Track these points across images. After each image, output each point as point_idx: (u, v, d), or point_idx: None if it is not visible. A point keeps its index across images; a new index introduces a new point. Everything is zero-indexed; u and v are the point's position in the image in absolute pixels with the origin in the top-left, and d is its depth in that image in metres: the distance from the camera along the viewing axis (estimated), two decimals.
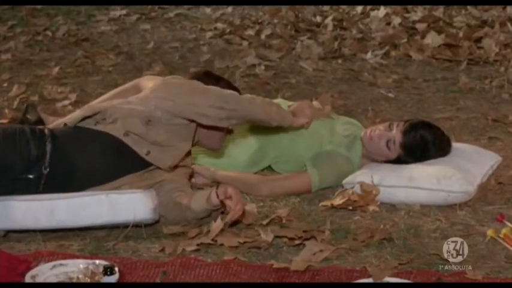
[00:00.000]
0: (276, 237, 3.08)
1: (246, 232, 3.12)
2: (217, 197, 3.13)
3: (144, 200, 3.13)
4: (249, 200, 3.46)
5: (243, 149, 3.72)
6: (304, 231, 3.07)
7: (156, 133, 3.21)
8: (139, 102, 3.27)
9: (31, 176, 3.13)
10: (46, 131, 3.22)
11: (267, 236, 3.04)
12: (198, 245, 3.02)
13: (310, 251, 2.94)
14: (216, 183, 3.59)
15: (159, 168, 3.26)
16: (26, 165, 3.12)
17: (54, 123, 3.42)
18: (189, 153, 3.37)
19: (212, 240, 3.04)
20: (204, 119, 3.23)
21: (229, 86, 3.54)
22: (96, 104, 3.42)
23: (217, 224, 3.07)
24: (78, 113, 3.31)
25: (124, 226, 3.11)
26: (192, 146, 3.35)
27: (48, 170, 3.14)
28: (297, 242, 3.03)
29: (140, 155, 3.21)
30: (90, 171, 3.19)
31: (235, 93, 3.34)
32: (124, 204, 3.11)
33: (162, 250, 2.99)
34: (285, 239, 3.06)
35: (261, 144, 3.72)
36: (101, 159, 3.20)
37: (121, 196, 3.13)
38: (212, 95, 3.25)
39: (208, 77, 3.54)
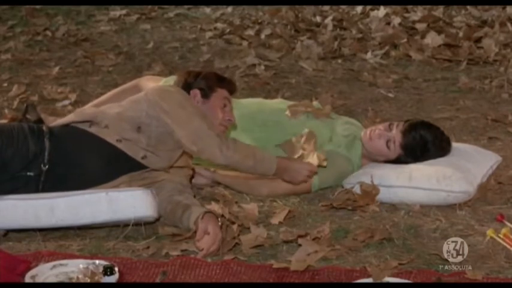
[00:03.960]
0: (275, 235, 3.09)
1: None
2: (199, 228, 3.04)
3: (143, 198, 3.14)
4: (249, 200, 3.46)
5: None
6: (305, 232, 3.07)
7: (148, 138, 3.23)
8: (131, 106, 3.29)
9: (30, 174, 3.13)
10: (44, 128, 3.24)
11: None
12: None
13: (304, 252, 2.94)
14: (216, 183, 3.60)
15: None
16: (25, 161, 3.13)
17: (51, 124, 3.42)
18: (189, 154, 3.38)
19: None
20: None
21: (231, 85, 3.52)
22: (87, 109, 3.44)
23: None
24: (68, 118, 3.33)
25: (124, 225, 3.12)
26: None
27: (47, 167, 3.15)
28: (297, 242, 3.03)
29: (136, 159, 3.23)
30: (88, 170, 3.20)
31: (213, 134, 3.22)
32: (124, 201, 3.11)
33: (159, 251, 2.99)
34: (285, 239, 3.07)
35: (260, 144, 3.71)
36: (98, 160, 3.21)
37: (120, 194, 3.14)
38: (191, 127, 3.22)
39: (211, 77, 3.51)
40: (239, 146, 3.26)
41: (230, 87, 3.50)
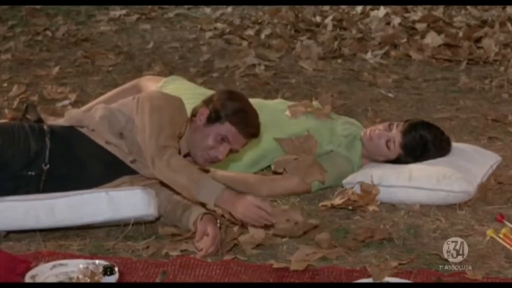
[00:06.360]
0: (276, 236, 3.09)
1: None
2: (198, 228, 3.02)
3: (143, 196, 3.14)
4: None
5: (243, 149, 3.72)
6: (305, 232, 3.08)
7: (131, 145, 3.18)
8: (118, 109, 3.23)
9: (32, 173, 3.13)
10: (45, 127, 3.24)
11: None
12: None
13: (304, 252, 2.94)
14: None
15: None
16: (26, 160, 3.13)
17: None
18: (189, 155, 3.36)
19: None
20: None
21: (247, 130, 3.24)
22: (73, 112, 3.35)
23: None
24: (60, 121, 3.32)
25: (124, 224, 3.12)
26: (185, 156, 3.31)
27: (48, 166, 3.15)
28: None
29: (126, 163, 3.21)
30: (89, 170, 3.20)
31: (153, 144, 3.03)
32: (124, 200, 3.12)
33: (159, 251, 2.99)
34: (285, 239, 3.07)
35: (260, 144, 3.72)
36: (96, 161, 3.21)
37: (120, 193, 3.14)
38: (152, 143, 3.04)
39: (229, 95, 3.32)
40: (177, 163, 2.99)
41: (245, 130, 3.20)
